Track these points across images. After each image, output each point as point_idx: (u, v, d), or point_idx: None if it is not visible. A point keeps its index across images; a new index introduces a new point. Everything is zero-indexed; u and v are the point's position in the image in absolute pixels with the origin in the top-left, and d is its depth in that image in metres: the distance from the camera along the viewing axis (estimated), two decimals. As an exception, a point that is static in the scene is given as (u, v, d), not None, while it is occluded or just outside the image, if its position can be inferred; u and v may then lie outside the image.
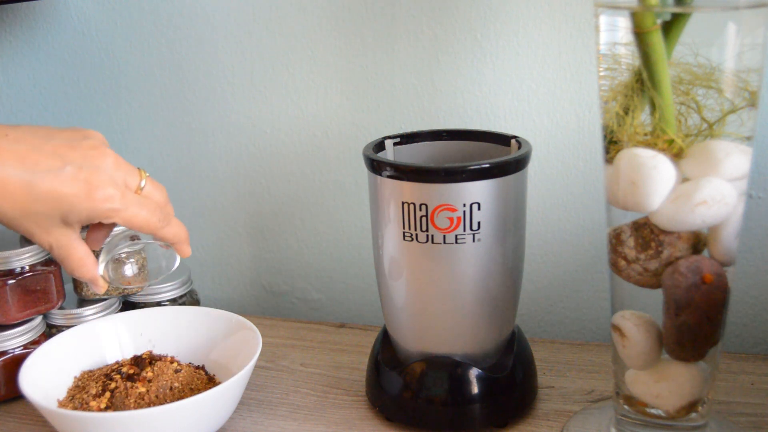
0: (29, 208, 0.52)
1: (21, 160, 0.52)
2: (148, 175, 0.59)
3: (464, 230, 0.57)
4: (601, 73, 0.52)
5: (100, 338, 0.69)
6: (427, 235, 0.58)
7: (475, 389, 0.61)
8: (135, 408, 0.60)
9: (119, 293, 0.76)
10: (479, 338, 0.61)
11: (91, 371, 0.67)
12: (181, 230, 0.61)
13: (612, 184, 0.52)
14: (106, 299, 0.75)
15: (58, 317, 0.73)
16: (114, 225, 0.60)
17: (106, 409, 0.60)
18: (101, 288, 0.60)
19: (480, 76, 0.76)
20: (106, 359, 0.69)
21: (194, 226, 0.91)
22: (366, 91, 0.80)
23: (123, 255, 0.67)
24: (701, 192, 0.49)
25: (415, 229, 0.58)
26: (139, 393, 0.61)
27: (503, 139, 0.64)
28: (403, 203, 0.58)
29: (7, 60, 0.91)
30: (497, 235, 0.58)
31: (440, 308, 0.60)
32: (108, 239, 0.61)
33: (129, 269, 0.66)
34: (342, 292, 0.88)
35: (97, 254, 0.60)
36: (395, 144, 0.65)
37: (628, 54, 0.50)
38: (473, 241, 0.58)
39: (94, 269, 0.58)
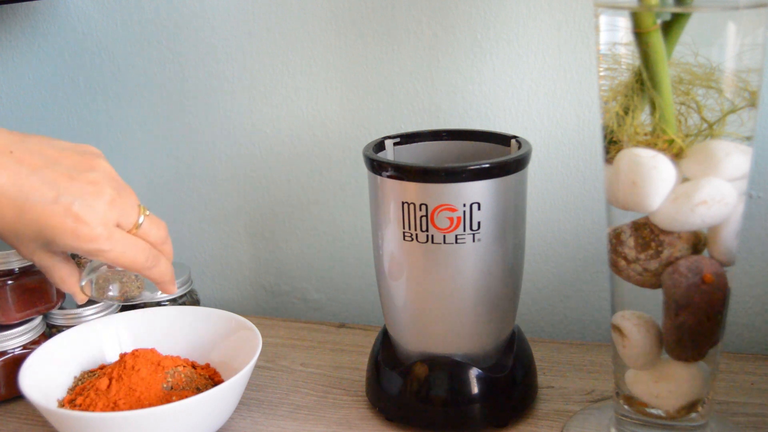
0: (16, 229, 0.53)
1: (18, 182, 0.52)
2: (148, 213, 0.58)
3: (464, 230, 0.57)
4: (601, 73, 0.52)
5: (100, 338, 0.69)
6: (427, 235, 0.58)
7: (475, 389, 0.61)
8: (132, 408, 0.60)
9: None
10: (479, 338, 0.61)
11: (91, 371, 0.67)
12: (167, 271, 0.60)
13: (612, 184, 0.52)
14: (106, 299, 0.75)
15: (58, 317, 0.73)
16: None
17: (105, 408, 0.60)
18: (81, 300, 0.61)
19: (480, 76, 0.76)
20: (106, 359, 0.69)
21: (194, 227, 0.91)
22: (366, 91, 0.80)
23: (107, 273, 0.66)
24: (701, 192, 0.49)
25: (415, 229, 0.58)
26: (139, 393, 0.61)
27: (503, 139, 0.64)
28: (403, 203, 0.58)
29: (7, 60, 0.91)
30: (497, 235, 0.58)
31: (440, 308, 0.60)
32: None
33: (112, 290, 0.66)
34: (342, 292, 0.88)
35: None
36: (395, 144, 0.65)
37: (628, 54, 0.50)
38: (473, 241, 0.58)
39: (74, 287, 0.59)
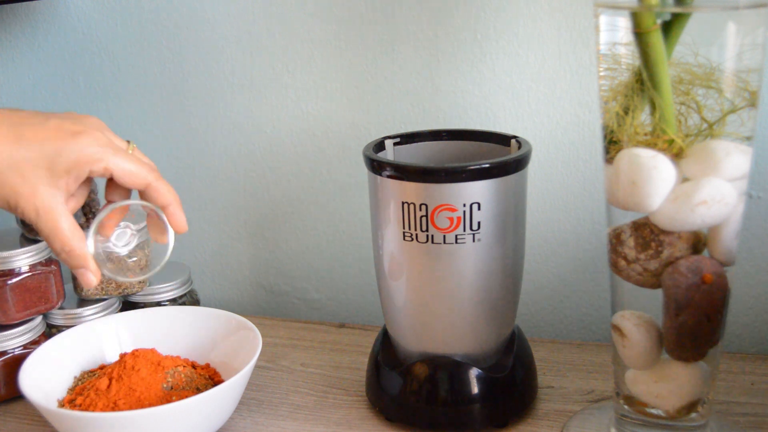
0: (15, 158, 0.51)
1: (3, 119, 0.51)
2: (135, 146, 0.57)
3: (464, 230, 0.57)
4: (601, 73, 0.52)
5: (100, 338, 0.69)
6: (427, 235, 0.58)
7: (475, 389, 0.61)
8: (132, 408, 0.60)
9: (119, 293, 0.76)
10: (479, 338, 0.61)
11: (91, 371, 0.67)
12: (172, 189, 0.57)
13: (612, 184, 0.52)
14: (106, 299, 0.75)
15: (58, 317, 0.73)
16: (119, 188, 0.57)
17: (105, 408, 0.60)
18: (93, 273, 0.55)
19: (480, 76, 0.76)
20: (106, 359, 0.69)
21: (194, 226, 0.91)
22: (366, 91, 0.80)
23: (118, 246, 0.62)
24: (701, 192, 0.49)
25: (415, 229, 0.58)
26: (139, 393, 0.61)
27: (503, 139, 0.64)
28: (403, 203, 0.58)
29: (7, 60, 0.91)
30: (497, 235, 0.58)
31: (440, 308, 0.60)
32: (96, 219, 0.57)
33: (125, 248, 0.62)
34: (342, 292, 0.88)
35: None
36: (395, 144, 0.65)
37: (628, 54, 0.50)
38: (473, 241, 0.58)
39: (82, 242, 0.54)
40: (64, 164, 0.52)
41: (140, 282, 0.77)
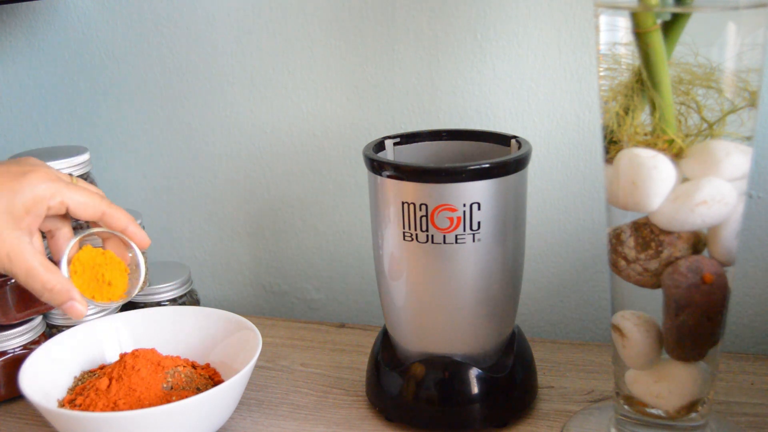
0: None
1: None
2: (78, 178, 0.60)
3: (464, 230, 0.57)
4: (601, 73, 0.52)
5: (100, 338, 0.69)
6: (427, 235, 0.58)
7: (475, 389, 0.61)
8: (132, 408, 0.60)
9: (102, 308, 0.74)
10: (479, 338, 0.61)
11: (91, 371, 0.67)
12: (127, 214, 0.59)
13: (612, 184, 0.52)
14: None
15: (58, 317, 0.73)
16: (67, 222, 0.59)
17: (105, 408, 0.60)
18: (79, 303, 0.56)
19: (480, 76, 0.76)
20: (106, 359, 0.69)
21: (194, 226, 0.91)
22: (366, 91, 0.80)
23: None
24: (701, 192, 0.49)
25: (415, 229, 0.58)
26: (139, 393, 0.61)
27: (503, 139, 0.64)
28: (403, 203, 0.58)
29: (7, 60, 0.91)
30: (497, 235, 0.58)
31: (440, 308, 0.60)
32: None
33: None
34: (342, 292, 0.88)
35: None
36: (395, 144, 0.65)
37: (628, 54, 0.50)
38: (473, 241, 0.58)
39: (60, 275, 0.55)
40: (21, 204, 0.53)
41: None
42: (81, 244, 0.60)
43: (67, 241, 0.59)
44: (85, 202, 0.56)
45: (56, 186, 0.55)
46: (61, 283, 0.55)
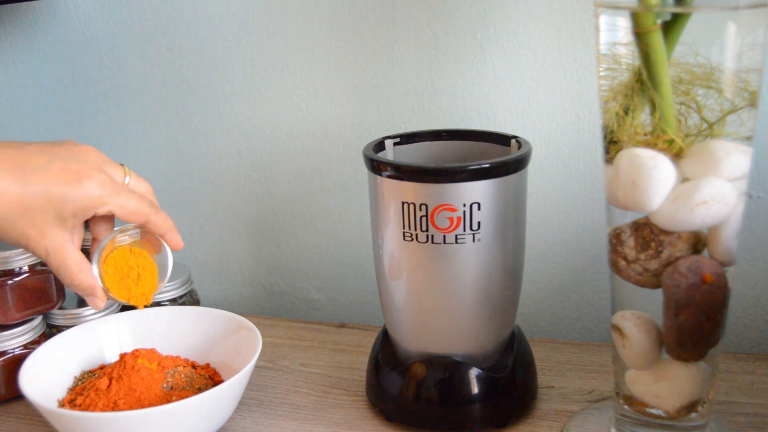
0: (24, 204, 0.53)
1: (9, 160, 0.53)
2: (131, 170, 0.60)
3: (464, 230, 0.57)
4: (601, 73, 0.52)
5: (100, 338, 0.69)
6: (427, 235, 0.58)
7: (475, 389, 0.61)
8: (132, 408, 0.60)
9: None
10: (479, 338, 0.61)
11: (91, 371, 0.67)
12: (168, 220, 0.61)
13: (612, 184, 0.52)
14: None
15: (58, 317, 0.73)
16: (110, 220, 0.60)
17: (105, 408, 0.60)
18: (99, 299, 0.60)
19: (480, 76, 0.76)
20: (106, 359, 0.69)
21: (194, 227, 0.91)
22: (366, 91, 0.80)
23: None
24: (701, 192, 0.49)
25: (415, 229, 0.58)
26: (139, 393, 0.61)
27: (503, 139, 0.64)
28: (403, 203, 0.58)
29: (7, 60, 0.91)
30: (497, 235, 0.58)
31: (440, 308, 0.60)
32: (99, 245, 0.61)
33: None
34: (342, 292, 0.88)
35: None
36: (395, 144, 0.65)
37: (628, 54, 0.50)
38: (473, 241, 0.58)
39: (90, 274, 0.58)
40: (70, 209, 0.55)
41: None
42: (116, 242, 0.61)
43: (106, 234, 0.60)
44: (131, 211, 0.57)
45: (108, 195, 0.56)
46: (87, 280, 0.58)
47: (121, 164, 0.60)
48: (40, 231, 0.54)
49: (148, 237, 0.62)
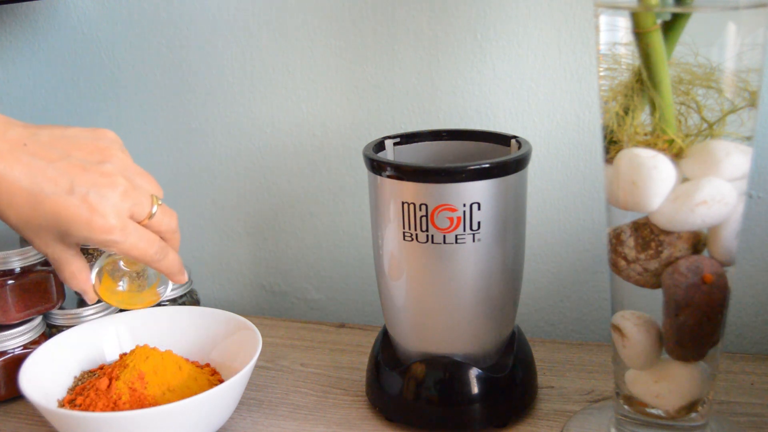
0: (32, 221, 0.53)
1: (33, 175, 0.52)
2: (161, 202, 0.58)
3: (464, 230, 0.57)
4: (601, 73, 0.52)
5: (100, 338, 0.69)
6: (427, 235, 0.58)
7: (475, 389, 0.61)
8: (132, 408, 0.60)
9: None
10: (479, 338, 0.61)
11: (91, 371, 0.67)
12: (175, 262, 0.61)
13: (612, 184, 0.52)
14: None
15: (58, 317, 0.73)
16: None
17: (105, 408, 0.60)
18: (91, 297, 0.60)
19: (480, 76, 0.76)
20: (106, 359, 0.69)
21: (194, 227, 0.91)
22: (366, 91, 0.80)
23: (117, 273, 0.66)
24: (701, 192, 0.49)
25: (415, 229, 0.58)
26: (138, 393, 0.61)
27: (503, 139, 0.64)
28: (403, 203, 0.58)
29: (7, 60, 0.91)
30: (497, 235, 0.58)
31: (440, 308, 0.60)
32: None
33: (121, 285, 0.66)
34: (342, 292, 0.88)
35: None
36: (395, 144, 0.65)
37: (628, 54, 0.50)
38: (473, 241, 0.58)
39: (86, 282, 0.59)
40: (74, 239, 0.55)
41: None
42: (117, 255, 0.62)
43: (103, 255, 0.62)
44: (136, 256, 0.57)
45: (113, 239, 0.55)
46: (80, 288, 0.59)
47: (153, 195, 0.57)
48: (44, 242, 0.55)
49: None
